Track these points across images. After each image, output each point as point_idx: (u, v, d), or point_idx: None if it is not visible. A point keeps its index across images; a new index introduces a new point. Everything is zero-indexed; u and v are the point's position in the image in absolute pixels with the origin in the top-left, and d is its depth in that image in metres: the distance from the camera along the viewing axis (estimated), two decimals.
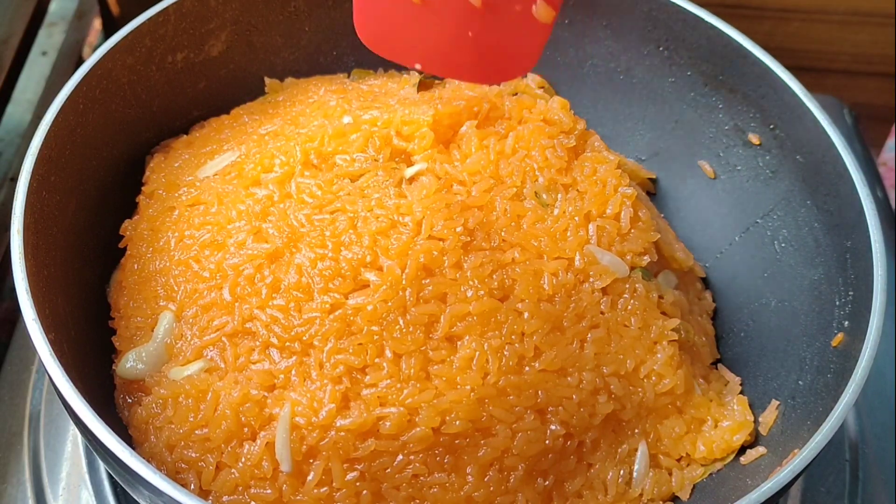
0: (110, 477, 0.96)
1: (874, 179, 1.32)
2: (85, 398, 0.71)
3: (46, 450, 0.98)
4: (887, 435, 1.05)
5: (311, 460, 0.77)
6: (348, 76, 1.11)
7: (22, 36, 1.29)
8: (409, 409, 0.77)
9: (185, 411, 0.79)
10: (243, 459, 0.77)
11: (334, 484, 0.76)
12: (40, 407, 1.01)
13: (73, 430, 0.99)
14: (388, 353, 0.79)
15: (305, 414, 0.77)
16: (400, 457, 0.77)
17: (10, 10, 1.29)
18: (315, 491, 0.77)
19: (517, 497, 0.79)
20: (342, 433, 0.76)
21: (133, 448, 0.72)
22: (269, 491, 0.77)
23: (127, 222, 0.93)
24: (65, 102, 0.88)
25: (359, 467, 0.77)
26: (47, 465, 0.97)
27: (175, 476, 0.78)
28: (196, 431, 0.79)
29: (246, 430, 0.78)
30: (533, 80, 1.05)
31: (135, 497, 0.76)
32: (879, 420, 1.06)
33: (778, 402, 0.88)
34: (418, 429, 0.77)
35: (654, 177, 1.10)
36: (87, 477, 0.96)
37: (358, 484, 0.77)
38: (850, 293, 0.85)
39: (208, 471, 0.78)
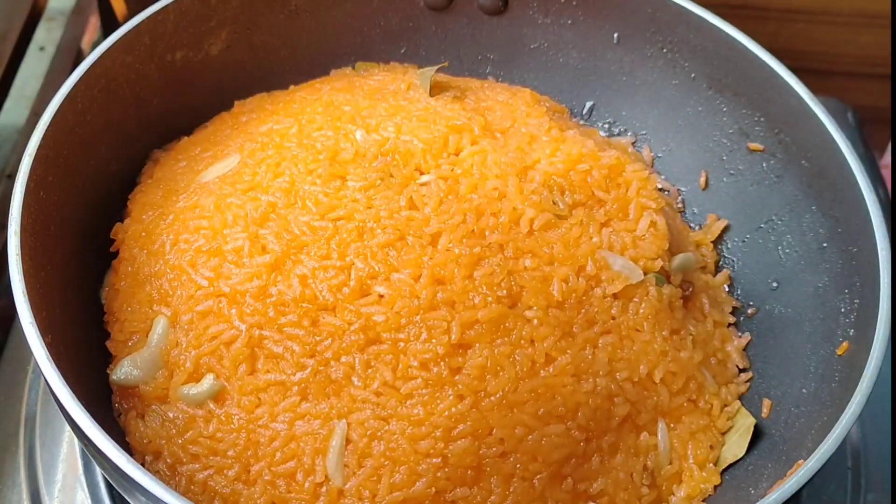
0: (106, 478, 0.95)
1: (877, 182, 1.32)
2: (81, 402, 0.70)
3: (42, 451, 0.97)
4: (887, 442, 1.05)
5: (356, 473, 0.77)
6: (352, 68, 1.11)
7: (20, 31, 1.28)
8: (449, 422, 0.77)
9: (209, 435, 0.79)
10: (281, 480, 0.77)
11: (376, 498, 0.76)
12: (36, 408, 1.00)
13: (69, 432, 0.98)
14: (414, 363, 0.78)
15: (357, 430, 0.77)
16: (424, 478, 0.76)
17: (8, 5, 1.29)
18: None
19: (546, 501, 0.78)
20: (391, 447, 0.76)
21: (132, 456, 0.71)
22: None
23: (118, 226, 0.93)
24: (63, 101, 0.87)
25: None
26: (43, 466, 0.96)
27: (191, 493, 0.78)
28: (229, 452, 0.78)
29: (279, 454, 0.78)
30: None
31: (130, 501, 0.76)
32: (880, 427, 1.05)
33: (770, 402, 0.88)
34: (461, 441, 0.76)
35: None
36: (82, 478, 0.95)
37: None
38: (856, 301, 0.84)
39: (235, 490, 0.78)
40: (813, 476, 0.72)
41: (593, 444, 0.80)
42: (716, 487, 0.84)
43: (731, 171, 1.03)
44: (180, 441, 0.79)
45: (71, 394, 0.70)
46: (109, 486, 0.94)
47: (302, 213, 0.84)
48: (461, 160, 0.89)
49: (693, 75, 1.04)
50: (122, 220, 0.93)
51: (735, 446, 0.85)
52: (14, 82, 1.28)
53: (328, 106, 0.96)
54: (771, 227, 0.98)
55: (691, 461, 0.84)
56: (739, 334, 0.96)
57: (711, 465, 0.85)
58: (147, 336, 0.84)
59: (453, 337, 0.78)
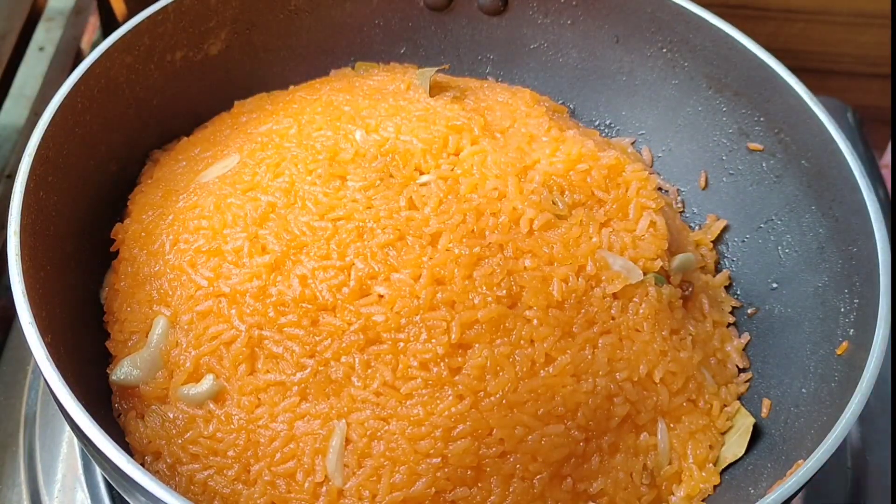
0: (106, 479, 0.95)
1: (877, 182, 1.32)
2: (81, 402, 0.70)
3: (42, 451, 0.97)
4: (887, 441, 1.04)
5: (356, 473, 0.77)
6: (352, 68, 1.11)
7: (20, 31, 1.28)
8: (449, 422, 0.77)
9: (208, 436, 0.79)
10: (281, 480, 0.77)
11: (376, 498, 0.76)
12: (36, 408, 1.00)
13: (69, 432, 0.98)
14: (414, 363, 0.78)
15: (357, 430, 0.77)
16: (424, 478, 0.76)
17: (8, 6, 1.29)
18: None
19: (546, 501, 0.78)
20: (391, 447, 0.76)
21: (132, 456, 0.71)
22: None
23: (118, 226, 0.93)
24: (63, 101, 0.87)
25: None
26: (43, 466, 0.96)
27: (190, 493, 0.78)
28: (229, 452, 0.78)
29: (279, 454, 0.78)
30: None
31: (130, 501, 0.76)
32: (881, 427, 1.05)
33: (770, 402, 0.88)
34: (460, 441, 0.76)
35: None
36: (82, 478, 0.95)
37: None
38: (856, 301, 0.84)
39: (235, 490, 0.78)
40: (813, 476, 0.72)
41: (593, 444, 0.80)
42: (715, 487, 0.84)
43: (731, 171, 1.03)
44: (180, 441, 0.79)
45: (71, 394, 0.70)
46: (109, 486, 0.94)
47: (302, 214, 0.84)
48: (461, 160, 0.89)
49: (693, 75, 1.04)
50: (122, 220, 0.93)
51: (735, 446, 0.85)
52: (14, 82, 1.28)
53: (328, 106, 0.96)
54: (771, 227, 0.98)
55: (691, 461, 0.84)
56: (739, 334, 0.96)
57: (711, 464, 0.85)
58: (147, 336, 0.84)
59: (453, 337, 0.78)
